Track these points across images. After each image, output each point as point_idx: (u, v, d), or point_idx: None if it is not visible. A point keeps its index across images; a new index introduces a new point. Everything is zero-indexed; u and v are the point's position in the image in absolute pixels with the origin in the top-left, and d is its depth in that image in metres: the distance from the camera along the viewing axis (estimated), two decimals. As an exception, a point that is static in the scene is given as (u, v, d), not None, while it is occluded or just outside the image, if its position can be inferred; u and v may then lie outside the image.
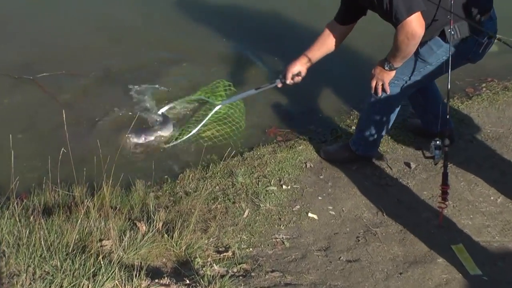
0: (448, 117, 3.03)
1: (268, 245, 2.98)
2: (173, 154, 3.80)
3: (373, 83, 3.19)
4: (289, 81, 3.33)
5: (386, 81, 3.14)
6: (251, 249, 2.93)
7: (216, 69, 4.66)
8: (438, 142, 2.88)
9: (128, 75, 4.57)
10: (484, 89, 4.41)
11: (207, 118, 3.82)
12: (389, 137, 3.82)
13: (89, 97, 4.35)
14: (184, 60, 4.79)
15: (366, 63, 4.34)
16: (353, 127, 3.93)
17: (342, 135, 3.92)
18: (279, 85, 3.40)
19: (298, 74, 3.31)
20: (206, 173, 3.51)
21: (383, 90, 3.19)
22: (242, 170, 3.51)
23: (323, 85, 4.55)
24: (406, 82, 3.21)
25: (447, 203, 3.07)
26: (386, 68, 3.07)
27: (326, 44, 3.26)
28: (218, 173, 3.51)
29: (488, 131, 3.89)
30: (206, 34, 5.16)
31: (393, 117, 3.43)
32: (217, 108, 3.86)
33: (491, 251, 2.97)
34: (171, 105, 4.14)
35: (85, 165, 3.19)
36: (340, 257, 2.91)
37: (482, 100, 4.23)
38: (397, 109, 3.40)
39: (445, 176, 2.90)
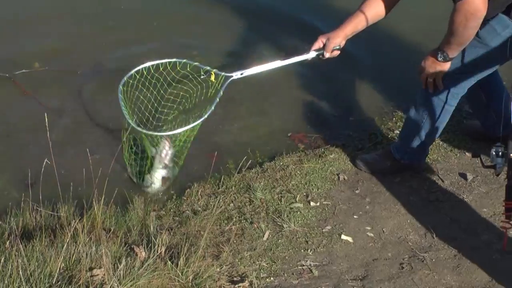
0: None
1: (292, 273, 3.01)
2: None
3: (424, 78, 3.22)
4: (329, 54, 3.32)
5: (440, 74, 3.17)
6: (272, 278, 2.97)
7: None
8: (500, 148, 2.90)
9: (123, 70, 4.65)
10: None
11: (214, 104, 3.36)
12: (441, 143, 3.84)
13: (76, 98, 4.42)
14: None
15: (413, 52, 4.37)
16: (397, 131, 3.97)
17: (383, 141, 3.95)
18: (311, 57, 3.35)
19: (339, 47, 3.32)
20: (219, 188, 3.57)
21: (436, 85, 3.22)
22: (262, 184, 3.55)
23: (359, 80, 4.59)
24: (463, 74, 3.23)
25: (512, 222, 3.10)
26: (439, 59, 3.09)
27: (375, 8, 3.22)
28: (233, 188, 3.56)
29: None
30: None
31: (447, 118, 3.45)
32: (231, 79, 3.44)
33: None
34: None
35: (73, 179, 3.25)
36: (381, 288, 2.94)
37: (556, 95, 4.23)
38: (452, 109, 3.42)
39: (509, 189, 2.91)
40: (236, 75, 3.39)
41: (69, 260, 2.61)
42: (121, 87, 3.40)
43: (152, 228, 3.08)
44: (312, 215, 3.37)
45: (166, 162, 3.59)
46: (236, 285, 2.85)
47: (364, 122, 4.23)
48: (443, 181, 3.57)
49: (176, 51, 4.13)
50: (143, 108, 3.81)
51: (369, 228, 3.29)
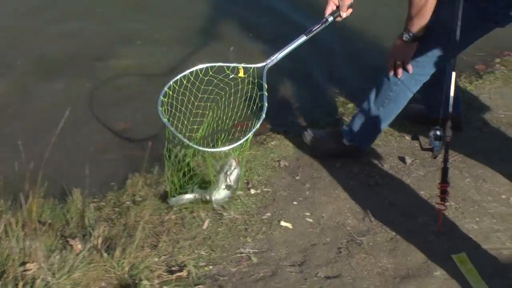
0: (454, 100, 3.08)
1: (231, 261, 3.03)
2: (120, 154, 3.84)
3: (392, 62, 3.23)
4: (345, 14, 3.30)
5: (408, 56, 3.19)
6: (210, 266, 2.98)
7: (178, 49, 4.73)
8: (438, 131, 2.94)
9: (69, 61, 4.62)
10: (498, 65, 4.50)
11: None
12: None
13: (13, 88, 4.40)
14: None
15: (363, 37, 4.43)
16: (345, 118, 4.00)
17: (325, 127, 3.98)
18: (338, 19, 3.34)
19: (351, 4, 3.31)
20: (160, 177, 3.55)
21: (403, 70, 3.24)
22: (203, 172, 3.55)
23: (307, 64, 4.61)
24: (427, 59, 3.27)
25: (447, 204, 3.16)
26: (405, 39, 3.11)
27: None
28: (175, 177, 3.55)
29: (502, 116, 3.98)
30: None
31: (404, 104, 3.51)
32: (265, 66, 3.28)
33: (501, 260, 3.03)
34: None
35: (5, 169, 3.23)
36: (318, 273, 2.96)
37: (495, 78, 4.33)
38: (411, 95, 3.49)
39: (445, 172, 2.97)
40: (267, 62, 3.29)
41: (0, 255, 2.60)
42: (160, 107, 3.05)
43: (89, 220, 3.07)
44: (252, 203, 3.39)
45: (231, 182, 3.25)
46: (174, 275, 2.85)
47: (309, 108, 4.26)
48: (382, 165, 3.62)
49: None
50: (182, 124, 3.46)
51: (308, 213, 3.32)
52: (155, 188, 3.45)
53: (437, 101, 3.59)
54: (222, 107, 3.49)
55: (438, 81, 3.61)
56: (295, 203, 3.39)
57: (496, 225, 3.22)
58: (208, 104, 3.47)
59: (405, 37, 3.12)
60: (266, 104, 3.08)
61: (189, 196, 3.29)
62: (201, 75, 3.21)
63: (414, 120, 3.90)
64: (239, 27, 5.16)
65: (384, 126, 3.60)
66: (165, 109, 3.07)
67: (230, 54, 4.00)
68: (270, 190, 3.46)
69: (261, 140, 3.84)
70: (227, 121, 3.51)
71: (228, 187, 3.24)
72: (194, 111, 3.45)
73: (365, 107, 3.57)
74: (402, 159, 3.65)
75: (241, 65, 3.22)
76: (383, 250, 3.08)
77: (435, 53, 3.24)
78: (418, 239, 3.14)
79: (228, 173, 3.23)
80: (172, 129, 3.02)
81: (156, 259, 2.94)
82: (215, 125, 3.53)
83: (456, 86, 3.78)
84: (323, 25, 3.32)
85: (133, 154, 3.77)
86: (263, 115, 3.05)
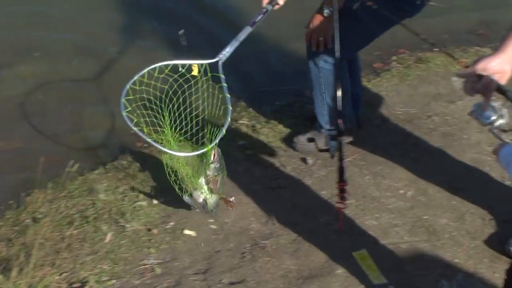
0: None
1: (134, 274, 3.01)
2: (18, 166, 3.76)
3: (315, 39, 3.24)
4: (282, 1, 3.20)
5: (329, 31, 3.16)
6: (113, 281, 2.96)
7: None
8: (334, 131, 2.99)
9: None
10: (394, 63, 4.61)
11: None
12: (283, 129, 3.93)
13: None
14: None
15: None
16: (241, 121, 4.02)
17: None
18: (275, 7, 3.21)
19: None
20: (61, 193, 3.49)
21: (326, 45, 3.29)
22: (105, 185, 3.52)
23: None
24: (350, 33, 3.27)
25: (347, 202, 3.20)
26: (325, 14, 3.15)
27: None
28: (76, 192, 3.50)
29: (399, 112, 4.07)
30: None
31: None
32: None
33: (399, 254, 3.14)
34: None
35: None
36: (222, 279, 2.98)
37: (392, 76, 4.44)
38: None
39: (341, 171, 3.00)
40: (220, 57, 3.09)
41: None
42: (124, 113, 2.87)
43: (-15, 241, 3.00)
44: (156, 212, 3.37)
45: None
46: (75, 292, 2.83)
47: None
48: (285, 167, 3.65)
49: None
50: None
51: (212, 220, 3.32)
52: (57, 204, 3.38)
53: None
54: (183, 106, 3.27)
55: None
56: (198, 210, 3.37)
57: (395, 220, 3.32)
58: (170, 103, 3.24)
59: (326, 12, 3.12)
60: (228, 96, 2.95)
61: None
62: (155, 74, 3.00)
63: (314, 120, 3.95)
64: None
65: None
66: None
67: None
68: (173, 198, 3.43)
69: (162, 148, 3.80)
70: (192, 119, 3.30)
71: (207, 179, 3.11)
72: (154, 112, 3.22)
73: (316, 101, 3.63)
74: (304, 160, 3.69)
75: (194, 62, 3.06)
76: (286, 252, 3.12)
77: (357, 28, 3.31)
78: (320, 239, 3.20)
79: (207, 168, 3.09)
80: (142, 135, 2.84)
81: (57, 277, 2.90)
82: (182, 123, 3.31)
83: (360, 85, 3.90)
84: (265, 15, 3.24)
85: (31, 170, 3.68)
86: (229, 107, 2.91)
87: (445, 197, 3.46)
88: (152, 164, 3.68)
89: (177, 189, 3.11)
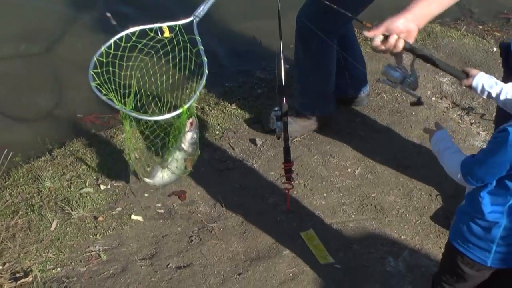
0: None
1: (80, 261, 2.98)
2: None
3: None
4: None
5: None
6: (58, 269, 2.93)
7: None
8: (278, 111, 2.97)
9: None
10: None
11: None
12: (232, 111, 3.90)
13: None
14: None
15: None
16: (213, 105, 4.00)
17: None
18: None
19: None
20: (6, 181, 3.44)
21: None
22: (51, 172, 3.47)
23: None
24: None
25: (296, 182, 3.21)
26: None
27: None
28: (21, 180, 3.45)
29: (348, 90, 4.05)
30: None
31: (334, 59, 3.58)
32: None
33: (346, 233, 3.15)
34: None
35: None
36: (169, 264, 2.96)
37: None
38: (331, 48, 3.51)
39: (286, 151, 3.00)
40: (195, 16, 2.87)
41: None
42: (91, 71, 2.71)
43: None
44: (102, 199, 3.33)
45: (185, 147, 2.86)
46: (18, 282, 2.78)
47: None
48: (234, 149, 3.63)
49: None
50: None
51: (159, 205, 3.30)
52: (0, 193, 3.33)
53: (345, 82, 3.76)
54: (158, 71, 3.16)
55: (344, 64, 3.70)
56: (146, 195, 3.35)
57: (342, 199, 3.33)
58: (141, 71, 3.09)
59: None
60: (205, 59, 2.75)
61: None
62: (122, 44, 2.78)
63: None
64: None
65: (328, 87, 3.66)
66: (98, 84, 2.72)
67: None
68: (120, 184, 3.40)
69: (111, 134, 3.75)
70: (167, 84, 3.20)
71: (181, 150, 2.87)
72: (125, 82, 2.96)
73: (298, 79, 3.64)
74: (253, 142, 3.67)
75: (165, 24, 2.81)
76: (234, 235, 3.12)
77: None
78: (268, 220, 3.20)
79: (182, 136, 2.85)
80: (113, 104, 2.70)
81: (1, 267, 2.84)
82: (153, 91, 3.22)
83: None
84: None
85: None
86: (206, 71, 2.70)
87: (392, 174, 3.47)
88: (99, 150, 3.64)
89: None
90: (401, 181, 3.43)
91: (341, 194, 3.35)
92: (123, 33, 2.77)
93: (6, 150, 3.37)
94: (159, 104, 3.11)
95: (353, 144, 3.64)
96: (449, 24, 4.79)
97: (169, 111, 2.79)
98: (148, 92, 3.14)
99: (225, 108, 3.92)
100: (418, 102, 2.50)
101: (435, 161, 3.49)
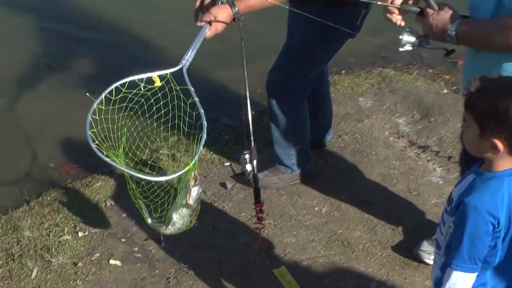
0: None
1: (62, 307, 2.99)
2: None
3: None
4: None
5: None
6: (39, 316, 2.93)
7: None
8: (247, 155, 3.04)
9: None
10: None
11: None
12: (202, 156, 3.97)
13: None
14: None
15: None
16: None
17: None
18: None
19: None
20: (-14, 230, 3.45)
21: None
22: (29, 221, 3.48)
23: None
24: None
25: (266, 222, 3.28)
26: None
27: None
28: (0, 230, 3.45)
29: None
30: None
31: (304, 113, 3.64)
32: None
33: (317, 268, 3.22)
34: None
35: None
36: (148, 305, 2.99)
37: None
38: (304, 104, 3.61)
39: (256, 192, 3.06)
40: (183, 63, 2.83)
41: None
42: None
43: None
44: (81, 245, 3.35)
45: (190, 201, 2.82)
46: (2, 329, 2.78)
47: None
48: (205, 193, 3.68)
49: None
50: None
51: (136, 249, 3.34)
52: (-17, 242, 3.34)
53: (321, 125, 3.89)
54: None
55: (318, 107, 3.83)
56: (123, 240, 3.38)
57: (311, 236, 3.40)
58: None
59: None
60: (202, 111, 2.66)
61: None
62: (113, 98, 2.68)
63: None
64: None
65: (306, 142, 3.72)
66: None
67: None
68: (98, 230, 3.44)
69: (86, 183, 3.79)
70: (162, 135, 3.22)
71: (186, 205, 2.83)
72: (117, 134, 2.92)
73: (276, 136, 3.67)
74: (224, 185, 3.74)
75: (155, 74, 2.73)
76: (210, 275, 3.17)
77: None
78: (242, 259, 3.26)
79: (187, 192, 2.79)
80: (117, 165, 2.65)
81: (-17, 317, 2.85)
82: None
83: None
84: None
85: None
86: (204, 123, 2.60)
87: (357, 211, 3.56)
88: (75, 199, 3.68)
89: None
90: (365, 217, 3.51)
91: (310, 232, 3.43)
92: (113, 86, 2.69)
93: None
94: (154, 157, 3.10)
95: (318, 184, 3.73)
96: (402, 69, 4.96)
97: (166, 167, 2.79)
98: (142, 145, 3.22)
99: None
100: (451, 51, 2.57)
101: (397, 197, 3.66)
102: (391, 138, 4.14)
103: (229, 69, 4.45)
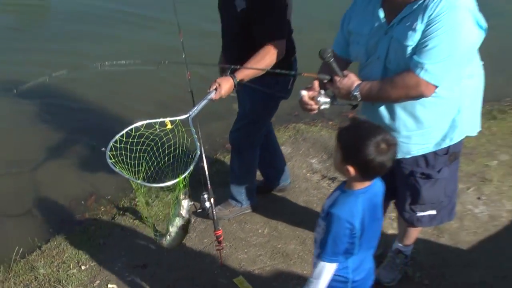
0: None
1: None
2: None
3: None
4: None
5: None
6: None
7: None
8: (206, 195, 3.26)
9: None
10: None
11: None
12: (169, 197, 4.11)
13: None
14: None
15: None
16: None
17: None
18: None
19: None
20: (9, 274, 3.55)
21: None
22: (43, 262, 3.59)
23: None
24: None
25: (224, 245, 3.50)
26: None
27: None
28: (20, 271, 3.55)
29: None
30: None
31: (255, 156, 3.80)
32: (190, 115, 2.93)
33: (265, 275, 3.43)
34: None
35: None
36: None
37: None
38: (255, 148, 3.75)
39: (216, 222, 3.24)
40: (190, 114, 2.93)
41: None
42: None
43: None
44: (84, 276, 3.47)
45: (182, 212, 2.88)
46: None
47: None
48: (196, 207, 3.81)
49: None
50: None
51: (127, 274, 3.49)
52: (7, 283, 3.44)
53: (273, 175, 4.06)
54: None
55: (270, 159, 4.00)
56: (116, 268, 3.52)
57: (258, 252, 3.63)
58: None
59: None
60: (198, 144, 2.79)
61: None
62: (132, 133, 2.84)
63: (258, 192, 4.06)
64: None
65: (253, 182, 3.88)
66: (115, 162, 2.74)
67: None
68: (95, 263, 3.57)
69: (83, 228, 3.95)
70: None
71: (179, 215, 2.88)
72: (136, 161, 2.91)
73: (236, 174, 3.82)
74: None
75: (168, 119, 2.88)
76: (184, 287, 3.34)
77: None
78: (208, 275, 3.46)
79: (179, 204, 2.87)
80: (117, 170, 2.73)
81: None
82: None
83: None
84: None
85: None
86: (198, 152, 2.75)
87: (290, 229, 3.79)
88: (77, 240, 3.80)
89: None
90: (297, 233, 3.74)
91: (257, 248, 3.64)
92: (133, 126, 2.84)
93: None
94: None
95: (259, 213, 3.97)
96: (310, 123, 5.17)
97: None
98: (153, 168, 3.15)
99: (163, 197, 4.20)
100: (355, 106, 2.68)
101: (318, 216, 3.92)
102: (308, 174, 4.38)
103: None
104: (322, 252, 2.26)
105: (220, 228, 3.19)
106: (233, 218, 3.93)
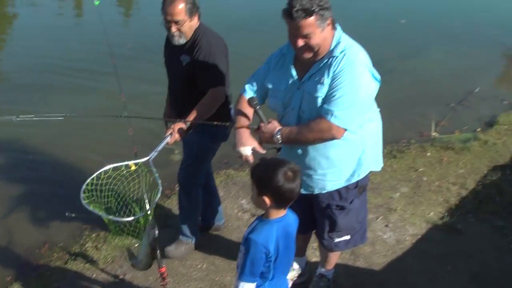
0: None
1: None
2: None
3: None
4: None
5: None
6: None
7: None
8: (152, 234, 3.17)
9: None
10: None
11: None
12: (119, 245, 4.07)
13: None
14: None
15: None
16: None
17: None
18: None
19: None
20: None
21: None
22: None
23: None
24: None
25: (168, 280, 3.49)
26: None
27: None
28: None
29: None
30: None
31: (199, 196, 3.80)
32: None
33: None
34: None
35: None
36: None
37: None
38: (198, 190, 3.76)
39: (159, 262, 3.22)
40: (150, 156, 3.02)
41: None
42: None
43: None
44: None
45: (149, 240, 2.97)
46: None
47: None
48: (122, 268, 3.84)
49: None
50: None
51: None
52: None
53: (209, 215, 4.04)
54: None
55: (208, 199, 3.98)
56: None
57: (199, 284, 3.70)
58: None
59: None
60: (159, 181, 2.90)
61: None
62: (103, 177, 2.95)
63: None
64: None
65: (198, 219, 3.88)
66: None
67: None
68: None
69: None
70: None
71: (146, 244, 2.98)
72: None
73: (181, 214, 3.80)
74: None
75: (131, 162, 2.98)
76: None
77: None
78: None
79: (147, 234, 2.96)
80: (91, 208, 2.82)
81: None
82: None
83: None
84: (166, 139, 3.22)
85: None
86: (160, 187, 2.87)
87: (226, 263, 3.87)
88: (32, 285, 3.71)
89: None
90: (232, 267, 3.75)
91: (198, 282, 3.71)
92: (101, 170, 2.95)
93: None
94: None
95: (198, 250, 3.95)
96: (238, 169, 5.08)
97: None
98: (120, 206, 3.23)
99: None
100: (280, 149, 2.81)
101: None
102: (239, 214, 4.43)
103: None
104: (241, 273, 2.34)
105: (164, 265, 3.23)
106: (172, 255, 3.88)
